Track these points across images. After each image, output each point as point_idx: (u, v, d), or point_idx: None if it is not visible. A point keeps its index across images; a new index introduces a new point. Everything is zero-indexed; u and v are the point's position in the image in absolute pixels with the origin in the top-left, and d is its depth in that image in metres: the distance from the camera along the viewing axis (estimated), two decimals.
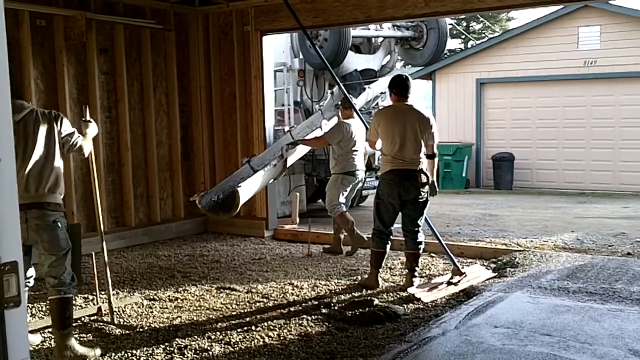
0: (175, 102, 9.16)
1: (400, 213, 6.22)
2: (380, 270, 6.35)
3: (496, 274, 6.56)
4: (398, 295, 5.90)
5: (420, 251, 6.29)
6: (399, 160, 6.01)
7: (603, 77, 14.25)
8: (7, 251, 1.52)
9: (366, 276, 6.42)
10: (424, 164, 6.10)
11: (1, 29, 1.54)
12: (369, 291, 6.06)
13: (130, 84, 8.57)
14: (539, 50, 14.81)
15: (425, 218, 6.38)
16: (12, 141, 1.56)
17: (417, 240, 6.21)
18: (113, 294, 6.08)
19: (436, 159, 6.29)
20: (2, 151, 1.49)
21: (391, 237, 6.32)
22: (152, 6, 8.74)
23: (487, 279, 6.35)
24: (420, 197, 6.06)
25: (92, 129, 4.90)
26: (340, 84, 7.88)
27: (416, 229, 6.19)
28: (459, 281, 6.18)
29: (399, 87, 6.20)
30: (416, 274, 6.22)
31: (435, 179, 6.23)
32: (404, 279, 6.30)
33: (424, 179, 6.02)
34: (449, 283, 6.17)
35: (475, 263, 7.08)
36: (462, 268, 6.47)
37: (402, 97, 6.18)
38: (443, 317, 5.09)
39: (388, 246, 6.31)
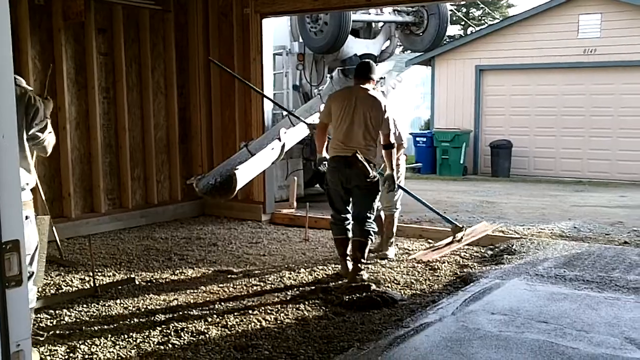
0: (173, 84, 9.10)
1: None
2: (348, 257, 5.98)
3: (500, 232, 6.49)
4: (396, 281, 5.90)
5: (368, 240, 5.89)
6: (341, 146, 5.71)
7: (603, 66, 14.21)
8: (8, 230, 1.50)
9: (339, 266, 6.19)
10: (378, 153, 5.77)
11: (4, 6, 1.51)
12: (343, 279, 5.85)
13: (129, 65, 8.50)
14: (538, 38, 14.75)
15: (407, 191, 6.16)
16: (15, 120, 1.54)
17: (365, 229, 5.80)
18: (110, 276, 6.10)
19: (394, 151, 5.93)
20: (4, 129, 1.47)
21: (346, 222, 5.93)
22: None
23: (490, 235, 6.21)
24: (365, 185, 5.70)
25: (50, 108, 4.10)
26: (341, 71, 7.83)
27: (362, 217, 5.81)
28: (461, 238, 6.07)
29: (357, 68, 6.01)
30: (362, 266, 5.86)
31: (394, 172, 5.96)
32: (350, 269, 5.88)
33: (366, 167, 5.61)
34: (451, 243, 6.06)
35: (479, 228, 7.04)
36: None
37: (358, 78, 5.89)
38: (440, 303, 5.09)
39: (348, 232, 5.93)
